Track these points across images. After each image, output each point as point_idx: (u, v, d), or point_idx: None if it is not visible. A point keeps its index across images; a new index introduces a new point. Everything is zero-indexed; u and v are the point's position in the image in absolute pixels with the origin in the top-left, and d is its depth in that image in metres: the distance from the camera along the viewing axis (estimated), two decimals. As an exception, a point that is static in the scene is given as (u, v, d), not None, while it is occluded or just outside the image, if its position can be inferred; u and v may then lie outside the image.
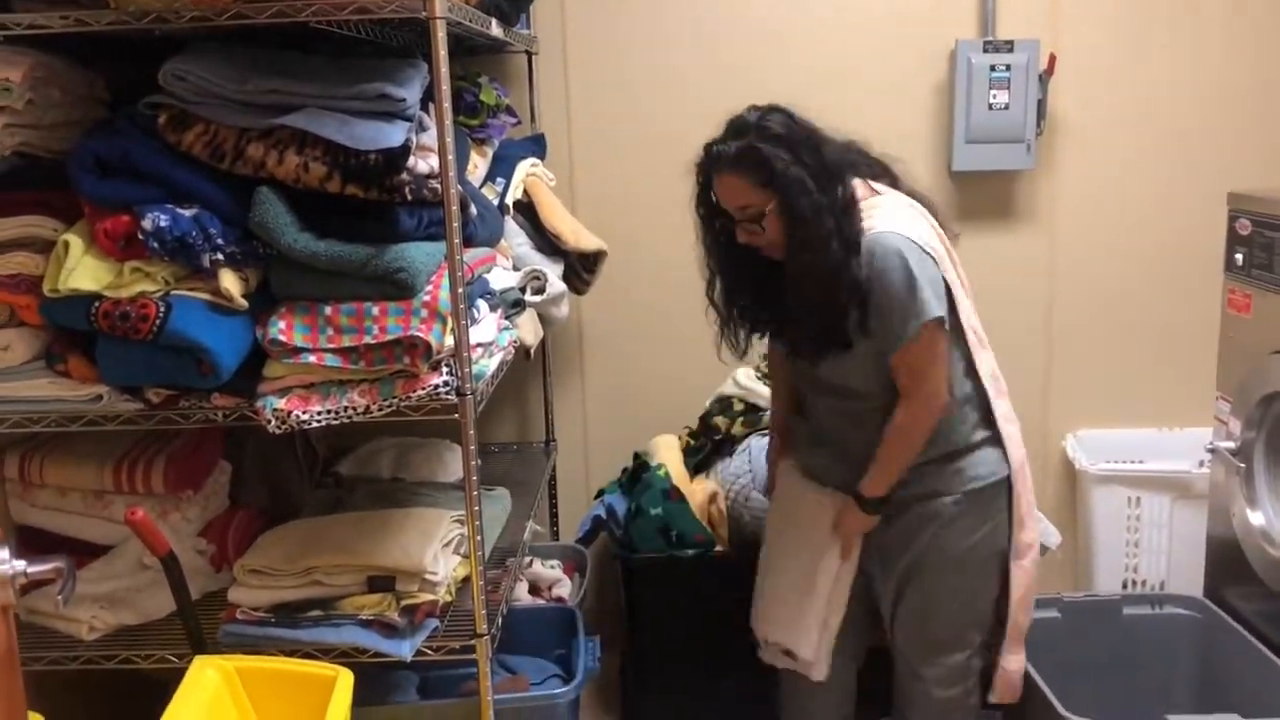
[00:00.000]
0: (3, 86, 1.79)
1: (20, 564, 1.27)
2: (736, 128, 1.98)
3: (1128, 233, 3.10)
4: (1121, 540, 2.98)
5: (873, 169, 2.09)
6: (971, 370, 2.08)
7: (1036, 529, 2.17)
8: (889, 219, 1.99)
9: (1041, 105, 2.93)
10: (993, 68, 2.89)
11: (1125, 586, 2.99)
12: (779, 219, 1.95)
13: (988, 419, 2.10)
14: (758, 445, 2.71)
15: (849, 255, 1.94)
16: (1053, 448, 3.19)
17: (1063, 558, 3.12)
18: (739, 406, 2.84)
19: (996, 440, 2.11)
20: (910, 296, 1.93)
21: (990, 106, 2.90)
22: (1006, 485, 2.11)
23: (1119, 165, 3.07)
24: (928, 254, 1.97)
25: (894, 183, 2.11)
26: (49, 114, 1.90)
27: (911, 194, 2.10)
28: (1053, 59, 2.91)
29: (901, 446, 2.04)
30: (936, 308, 1.94)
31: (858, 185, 2.02)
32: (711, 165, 2.00)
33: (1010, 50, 2.89)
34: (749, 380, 2.88)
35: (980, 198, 3.07)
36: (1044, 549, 2.59)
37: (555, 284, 2.65)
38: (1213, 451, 2.54)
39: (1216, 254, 2.54)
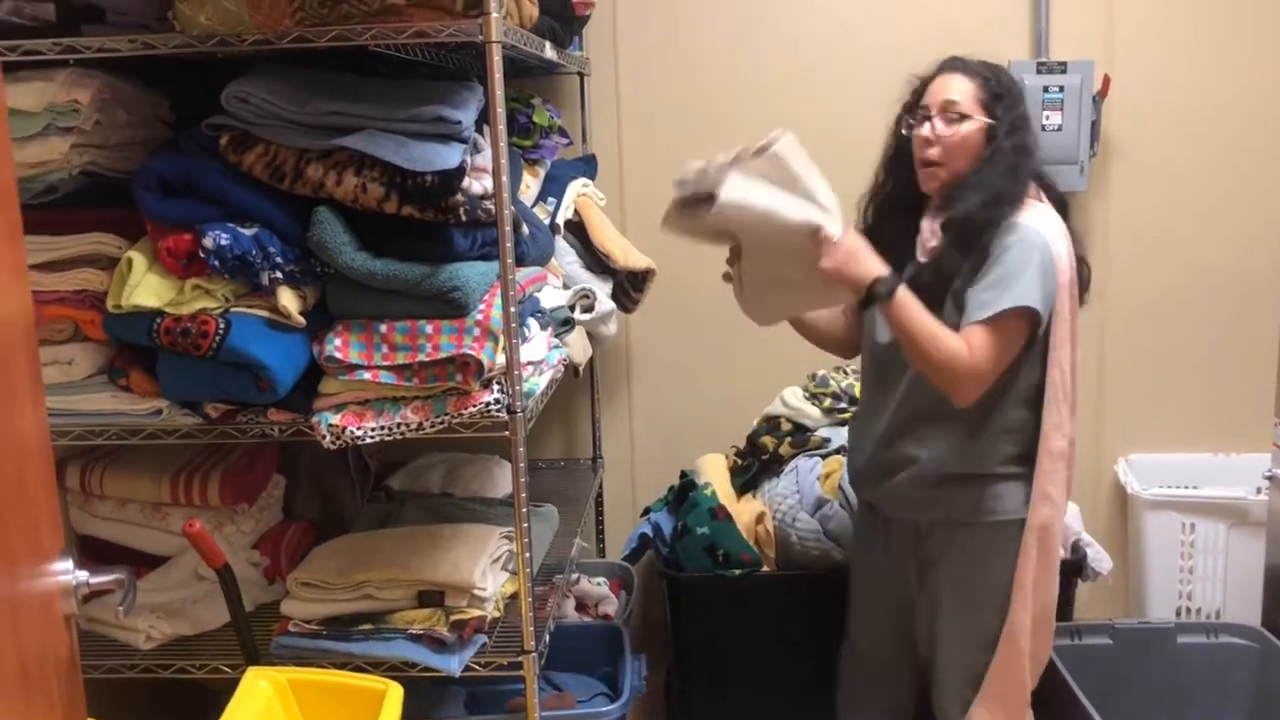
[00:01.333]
0: (72, 108, 1.84)
1: (83, 575, 1.29)
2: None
3: (1182, 254, 3.06)
4: (1175, 567, 2.93)
5: (1052, 194, 2.11)
6: (1033, 408, 2.05)
7: (1030, 609, 2.08)
8: (1040, 222, 2.01)
9: (1095, 126, 2.91)
10: (1045, 89, 2.87)
11: (1179, 614, 2.94)
12: (976, 137, 2.01)
13: (1021, 459, 2.08)
14: (805, 466, 2.70)
15: (1000, 214, 1.98)
16: (1104, 471, 3.15)
17: (1114, 584, 3.07)
18: (786, 427, 2.83)
19: (1021, 478, 2.08)
20: (1017, 276, 1.93)
21: (1043, 127, 2.88)
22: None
23: (1174, 187, 3.03)
24: (1054, 265, 1.97)
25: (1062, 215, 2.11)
26: (115, 134, 1.95)
27: (1072, 232, 2.10)
28: (1107, 80, 2.89)
29: (934, 341, 1.92)
30: (1036, 300, 1.93)
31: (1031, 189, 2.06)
32: (948, 64, 2.08)
33: (1064, 71, 2.87)
34: (797, 400, 2.88)
35: (1032, 219, 3.05)
36: (1095, 574, 2.56)
37: (604, 302, 2.66)
38: (1271, 479, 2.50)
39: (1273, 276, 2.51)
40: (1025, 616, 2.07)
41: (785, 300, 2.10)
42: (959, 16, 2.96)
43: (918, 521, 2.15)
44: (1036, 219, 2.01)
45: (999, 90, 2.03)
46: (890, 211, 2.14)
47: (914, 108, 2.11)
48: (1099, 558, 2.62)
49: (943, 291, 1.99)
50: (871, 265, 1.92)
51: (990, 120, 2.01)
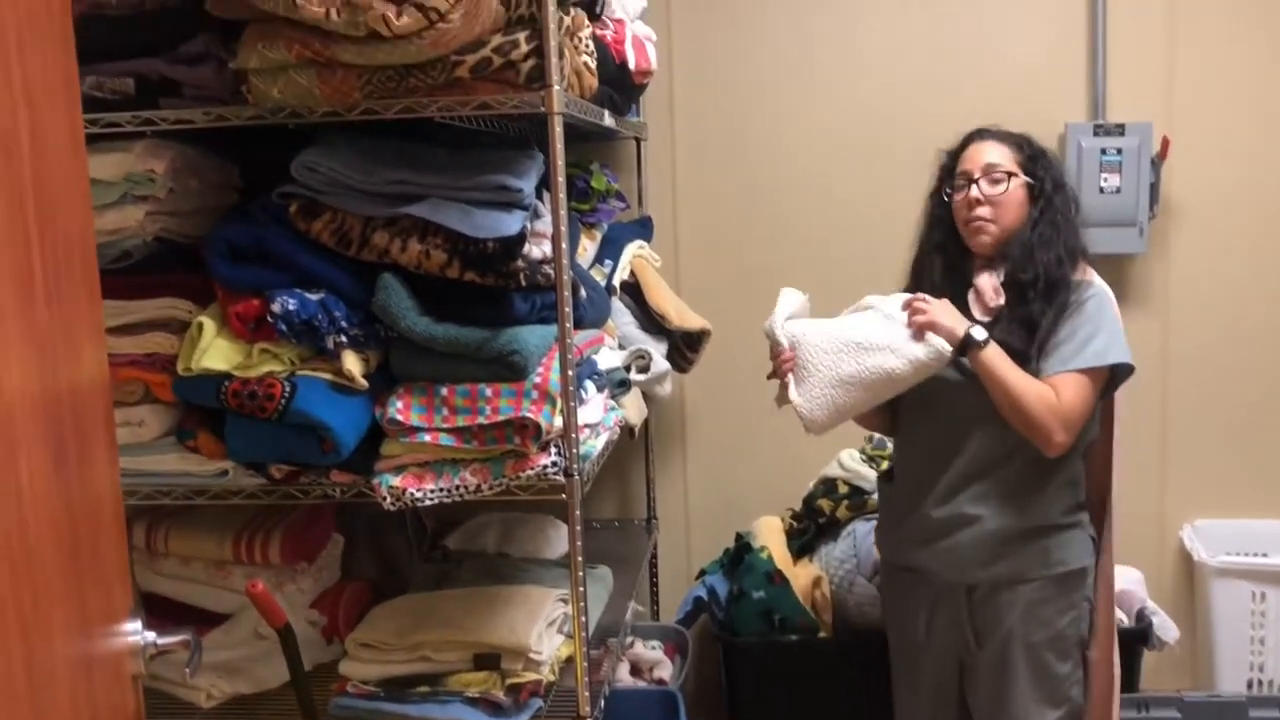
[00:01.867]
0: (148, 177, 1.90)
1: (151, 635, 1.32)
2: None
3: (1245, 316, 3.01)
4: (1246, 637, 2.85)
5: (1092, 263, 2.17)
6: (1083, 459, 2.10)
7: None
8: (1098, 278, 2.10)
9: (1154, 188, 2.89)
10: (1104, 151, 2.86)
11: (1250, 687, 2.85)
12: (1021, 194, 2.08)
13: (1078, 509, 2.13)
14: (863, 529, 2.68)
15: (1073, 267, 2.06)
16: (1169, 538, 3.08)
17: (1181, 654, 2.99)
18: (844, 489, 2.81)
19: (1078, 526, 2.13)
20: (1111, 330, 2.02)
21: (1101, 190, 2.87)
22: (1091, 573, 2.13)
23: (1235, 248, 3.00)
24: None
25: None
26: (187, 201, 2.00)
27: None
28: (1166, 142, 2.87)
29: (1030, 388, 1.99)
30: (1128, 354, 2.03)
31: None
32: (975, 134, 2.16)
33: (1121, 134, 2.87)
34: (854, 462, 2.86)
35: (1091, 281, 3.03)
36: (1161, 643, 2.51)
37: (660, 363, 2.67)
38: (1343, 547, 2.44)
39: (1342, 340, 2.47)
40: (1112, 652, 2.16)
41: (848, 397, 2.11)
42: (1016, 79, 2.98)
43: (973, 582, 2.12)
44: (1095, 274, 2.10)
45: (1032, 153, 2.12)
46: (938, 279, 2.18)
47: (946, 179, 2.17)
48: (1165, 626, 2.56)
49: (1030, 348, 2.04)
50: (960, 317, 2.03)
51: (1032, 179, 2.08)
